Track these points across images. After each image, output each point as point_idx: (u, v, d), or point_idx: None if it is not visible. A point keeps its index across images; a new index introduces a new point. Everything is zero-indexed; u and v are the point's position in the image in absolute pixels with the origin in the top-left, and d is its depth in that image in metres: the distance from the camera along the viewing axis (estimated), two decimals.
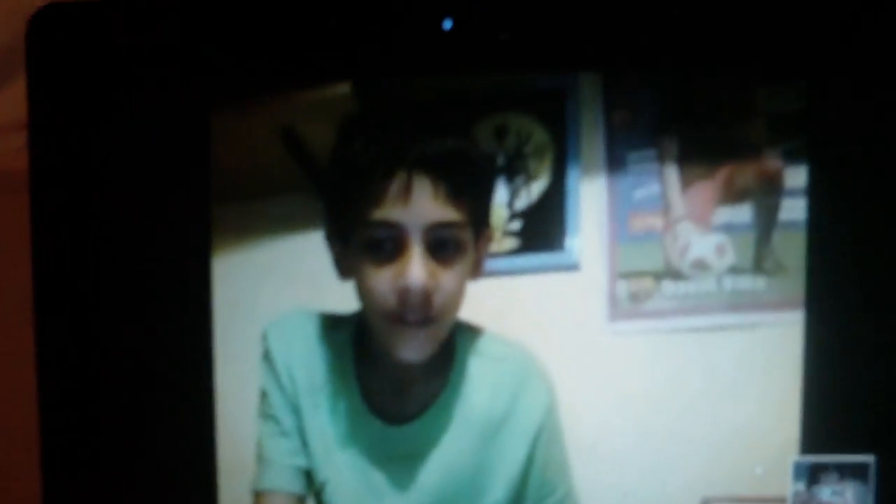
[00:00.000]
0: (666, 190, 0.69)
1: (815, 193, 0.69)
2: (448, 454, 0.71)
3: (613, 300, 0.70)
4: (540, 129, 0.69)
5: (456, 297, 0.68)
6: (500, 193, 0.69)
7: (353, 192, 0.66)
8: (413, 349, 0.68)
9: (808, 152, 0.68)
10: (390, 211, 0.65)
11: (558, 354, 0.70)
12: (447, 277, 0.67)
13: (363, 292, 0.68)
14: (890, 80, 0.68)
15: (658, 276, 0.70)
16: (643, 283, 0.70)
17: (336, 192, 0.68)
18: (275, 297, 0.72)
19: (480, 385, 0.71)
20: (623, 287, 0.70)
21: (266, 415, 0.72)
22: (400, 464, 0.71)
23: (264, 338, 0.72)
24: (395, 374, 0.70)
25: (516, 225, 0.70)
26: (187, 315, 0.72)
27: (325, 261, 0.70)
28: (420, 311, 0.66)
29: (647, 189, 0.69)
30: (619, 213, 0.69)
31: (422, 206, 0.65)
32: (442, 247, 0.66)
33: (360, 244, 0.67)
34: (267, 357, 0.72)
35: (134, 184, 0.70)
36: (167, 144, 0.69)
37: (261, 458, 0.72)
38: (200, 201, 0.70)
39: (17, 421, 0.73)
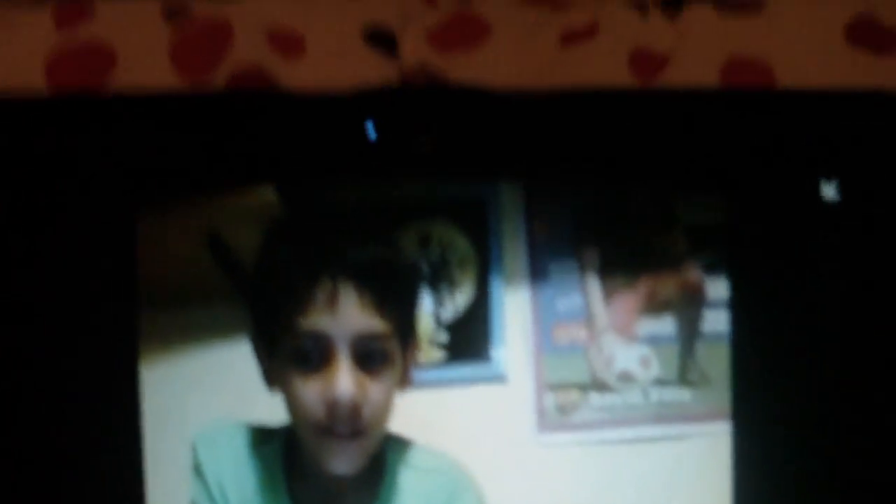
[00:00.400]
0: (589, 301, 0.70)
1: (737, 306, 0.70)
2: None
3: (541, 412, 0.70)
4: (462, 239, 0.70)
5: (385, 409, 0.67)
6: (426, 303, 0.69)
7: (279, 300, 0.66)
8: (343, 462, 0.67)
9: (728, 265, 0.70)
10: (317, 320, 0.65)
11: (488, 466, 0.69)
12: (375, 389, 0.66)
13: (291, 404, 0.67)
14: (806, 194, 0.71)
15: (584, 387, 0.70)
16: (570, 395, 0.70)
17: (262, 299, 0.68)
18: (204, 406, 0.70)
19: (411, 498, 0.69)
20: (550, 399, 0.70)
21: None
22: None
23: (194, 449, 0.70)
24: (325, 487, 0.68)
25: (443, 336, 0.70)
26: (116, 425, 0.69)
27: (253, 370, 0.69)
28: (349, 423, 0.65)
29: (570, 300, 0.70)
30: (544, 323, 0.70)
31: (348, 315, 0.65)
32: (369, 358, 0.65)
33: (287, 354, 0.66)
34: (197, 469, 0.70)
35: (60, 290, 0.69)
36: (93, 250, 0.68)
37: None
38: (127, 308, 0.69)
39: None
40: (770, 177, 0.71)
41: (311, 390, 0.65)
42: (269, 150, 0.69)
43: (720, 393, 0.69)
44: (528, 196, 0.71)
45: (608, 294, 0.70)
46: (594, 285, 0.70)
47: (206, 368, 0.70)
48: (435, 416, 0.69)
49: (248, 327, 0.69)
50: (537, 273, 0.70)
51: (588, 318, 0.70)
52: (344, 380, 0.65)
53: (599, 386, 0.70)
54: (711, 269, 0.70)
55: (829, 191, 0.71)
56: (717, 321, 0.70)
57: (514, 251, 0.70)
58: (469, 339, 0.70)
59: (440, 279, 0.70)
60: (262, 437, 0.70)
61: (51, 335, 0.69)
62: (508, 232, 0.70)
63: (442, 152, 0.69)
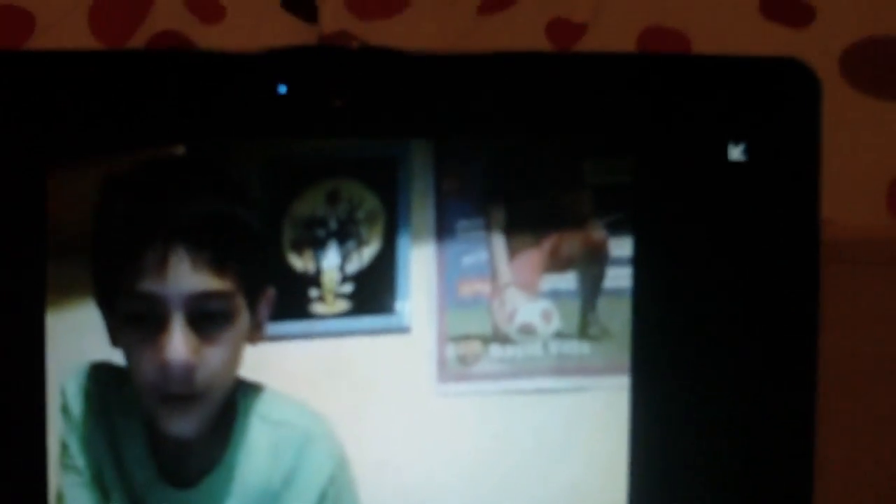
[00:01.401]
0: (493, 257, 0.72)
1: (639, 263, 0.72)
2: None
3: (442, 362, 0.72)
4: (371, 196, 0.72)
5: (224, 370, 0.67)
6: (332, 257, 0.71)
7: (114, 259, 0.65)
8: (180, 424, 0.67)
9: (632, 225, 0.71)
10: (149, 282, 0.64)
11: (388, 415, 0.71)
12: (212, 351, 0.66)
13: (129, 364, 0.67)
14: (713, 157, 0.72)
15: (486, 339, 0.72)
16: (471, 347, 0.72)
17: (98, 257, 0.67)
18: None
19: (260, 450, 0.70)
20: (452, 350, 0.72)
21: (67, 466, 0.70)
22: None
23: (61, 392, 0.70)
24: (174, 441, 0.69)
25: (348, 288, 0.72)
26: (21, 377, 0.71)
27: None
28: (183, 387, 0.65)
29: (475, 256, 0.72)
30: (449, 278, 0.72)
31: (180, 276, 0.64)
32: (206, 318, 0.65)
33: (123, 315, 0.66)
34: (65, 410, 0.70)
35: None
36: (3, 202, 0.69)
37: None
38: (35, 259, 0.70)
39: None
40: (678, 139, 0.73)
41: (144, 353, 0.65)
42: (179, 108, 0.70)
43: (620, 347, 0.71)
44: (437, 154, 0.73)
45: (513, 251, 0.72)
46: (499, 242, 0.72)
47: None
48: (337, 366, 0.71)
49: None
50: (444, 229, 0.72)
51: (492, 274, 0.72)
52: (176, 343, 0.64)
53: (501, 338, 0.72)
54: (616, 227, 0.72)
55: (735, 153, 0.72)
56: (619, 278, 0.72)
57: (423, 208, 0.72)
58: (374, 292, 0.72)
59: (347, 234, 0.72)
60: (125, 378, 0.70)
61: None
62: (418, 189, 0.72)
63: (353, 110, 0.71)
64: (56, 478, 0.70)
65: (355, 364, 0.72)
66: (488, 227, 0.72)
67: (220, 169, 0.69)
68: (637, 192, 0.72)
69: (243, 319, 0.67)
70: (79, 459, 0.71)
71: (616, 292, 0.72)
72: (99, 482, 0.71)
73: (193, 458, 0.70)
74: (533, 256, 0.72)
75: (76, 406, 0.70)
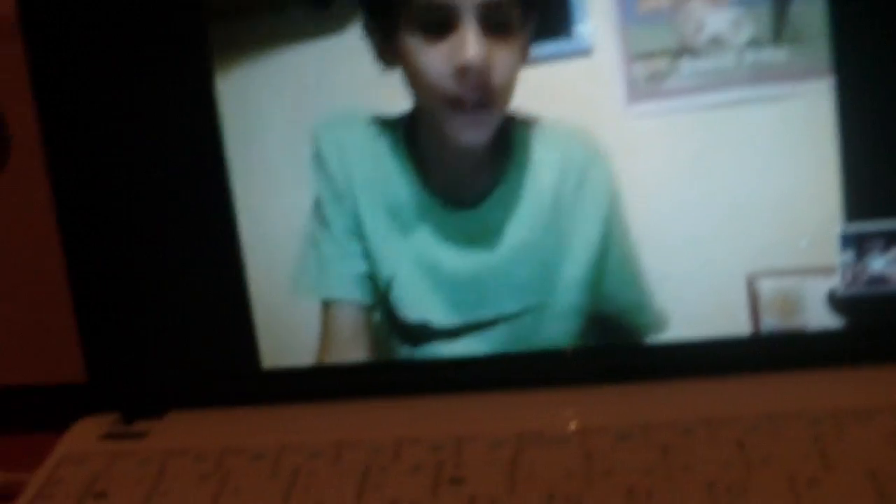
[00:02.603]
0: None
1: None
2: (519, 234, 0.68)
3: (630, 82, 0.68)
4: None
5: (512, 77, 0.66)
6: None
7: None
8: (472, 132, 0.66)
9: None
10: None
11: None
12: (503, 54, 0.64)
13: (414, 76, 0.66)
14: None
15: (674, 54, 0.67)
16: (659, 63, 0.68)
17: None
18: (283, 112, 0.70)
19: (547, 164, 0.68)
20: (639, 68, 0.68)
21: (321, 220, 0.70)
22: (469, 248, 0.69)
23: (315, 139, 0.69)
24: (455, 160, 0.68)
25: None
26: (197, 139, 0.71)
27: (328, 70, 0.69)
28: (478, 90, 0.64)
29: None
30: None
31: None
32: (496, 23, 0.64)
33: (407, 25, 0.64)
34: (319, 158, 0.69)
35: (125, 11, 0.70)
36: None
37: (316, 265, 0.70)
38: (197, 22, 0.69)
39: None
40: None
41: (436, 58, 0.64)
42: None
43: (819, 50, 0.66)
44: None
45: None
46: None
47: (281, 74, 0.70)
48: (522, 96, 0.68)
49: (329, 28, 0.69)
50: None
51: None
52: (472, 44, 0.63)
53: (690, 51, 0.67)
54: None
55: None
56: None
57: None
58: (551, 15, 0.68)
59: None
60: (382, 125, 0.69)
61: (123, 57, 0.71)
62: None
63: None
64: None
65: (541, 92, 0.68)
66: None
67: None
68: None
69: (519, 34, 0.65)
70: (333, 213, 0.70)
71: None
72: (356, 235, 0.70)
73: (477, 177, 0.69)
74: None
75: (332, 154, 0.69)
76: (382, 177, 0.69)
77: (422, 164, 0.69)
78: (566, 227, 0.69)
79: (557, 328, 0.70)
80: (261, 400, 0.73)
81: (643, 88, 0.68)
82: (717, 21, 0.67)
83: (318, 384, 0.72)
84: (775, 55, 0.67)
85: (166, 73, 0.70)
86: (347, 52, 0.69)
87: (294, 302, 0.72)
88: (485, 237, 0.69)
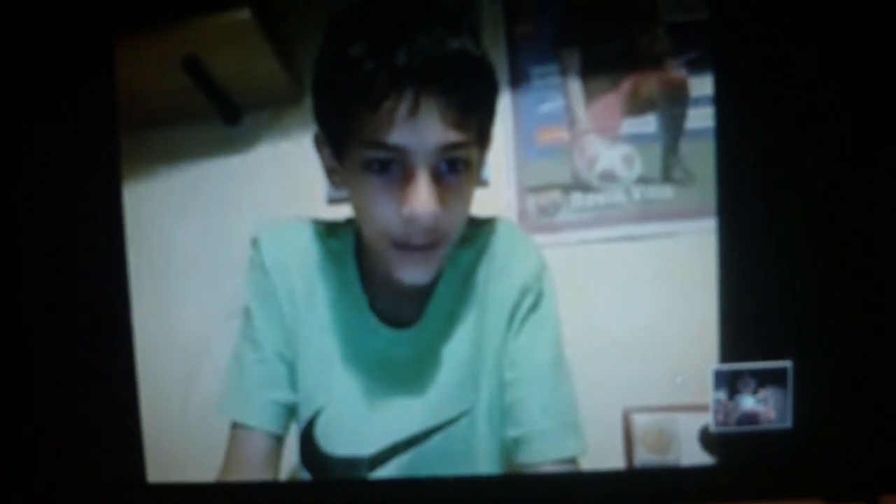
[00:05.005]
0: (570, 103, 0.69)
1: (721, 101, 0.69)
2: (457, 347, 0.68)
3: (523, 214, 0.69)
4: None
5: (462, 217, 0.65)
6: None
7: (351, 106, 0.62)
8: (416, 272, 0.66)
9: (712, 61, 0.68)
10: (395, 133, 0.61)
11: None
12: (454, 202, 0.64)
13: (363, 213, 0.65)
14: None
15: (567, 188, 0.69)
16: (551, 197, 0.69)
17: (327, 100, 0.64)
18: (186, 222, 0.71)
19: (468, 265, 0.68)
20: (531, 201, 0.69)
21: (248, 337, 0.69)
22: (408, 367, 0.69)
23: (255, 245, 0.68)
24: (400, 287, 0.67)
25: None
26: (99, 244, 0.71)
27: (233, 186, 0.70)
28: (425, 237, 0.64)
29: (552, 103, 0.69)
30: (526, 127, 0.69)
31: (430, 128, 0.61)
32: (449, 170, 0.63)
33: (359, 162, 0.63)
34: (258, 265, 0.68)
35: (40, 113, 0.70)
36: (72, 73, 0.69)
37: (238, 386, 0.69)
38: (108, 130, 0.70)
39: None
40: None
41: (386, 204, 0.63)
42: None
43: (705, 189, 0.69)
44: (507, 0, 0.69)
45: (590, 95, 0.69)
46: (576, 87, 0.69)
47: (187, 187, 0.71)
48: None
49: (225, 146, 0.69)
50: (518, 78, 0.69)
51: (570, 120, 0.69)
52: (423, 196, 0.62)
53: (582, 186, 0.69)
54: (695, 65, 0.69)
55: None
56: (701, 118, 0.69)
57: (495, 56, 0.68)
58: None
59: None
60: (328, 232, 0.69)
61: (33, 158, 0.71)
62: (489, 37, 0.69)
63: None
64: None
65: None
66: (564, 73, 0.69)
67: (443, 4, 0.64)
68: (714, 27, 0.69)
69: (475, 170, 0.65)
70: (263, 329, 0.69)
71: (699, 133, 0.69)
72: (282, 359, 0.69)
73: (412, 299, 0.69)
74: (611, 100, 0.69)
75: (274, 262, 0.68)
76: (331, 296, 0.69)
77: (368, 284, 0.69)
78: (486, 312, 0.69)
79: (474, 446, 0.69)
80: None
81: (534, 221, 0.70)
82: (610, 157, 0.69)
83: (209, 502, 0.72)
84: (663, 193, 0.69)
85: (75, 176, 0.71)
86: (256, 170, 0.70)
87: (186, 420, 0.72)
88: (423, 354, 0.69)
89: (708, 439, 0.70)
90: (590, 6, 0.69)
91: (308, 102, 0.66)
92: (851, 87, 0.69)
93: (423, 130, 0.61)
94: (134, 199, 0.70)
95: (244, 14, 0.69)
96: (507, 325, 0.68)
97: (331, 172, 0.67)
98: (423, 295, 0.69)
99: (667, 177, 0.69)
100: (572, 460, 0.68)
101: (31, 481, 0.74)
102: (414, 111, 0.61)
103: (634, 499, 0.70)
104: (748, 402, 0.69)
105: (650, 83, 0.69)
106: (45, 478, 0.74)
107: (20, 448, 0.73)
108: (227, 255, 0.71)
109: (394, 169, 0.62)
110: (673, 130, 0.70)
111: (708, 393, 0.69)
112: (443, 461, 0.69)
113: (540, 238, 0.70)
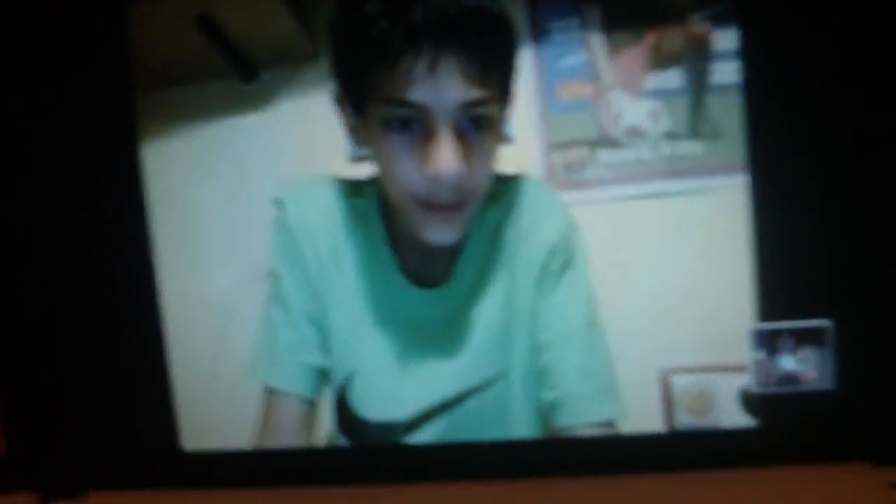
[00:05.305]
0: (593, 58, 0.67)
1: (747, 55, 0.67)
2: (487, 309, 0.66)
3: (550, 171, 0.67)
4: None
5: (487, 176, 0.63)
6: None
7: (369, 63, 0.60)
8: (442, 233, 0.63)
9: (736, 14, 0.67)
10: (415, 90, 0.60)
11: None
12: (478, 159, 0.62)
13: (386, 171, 0.63)
14: None
15: (593, 144, 0.67)
16: (578, 153, 0.67)
17: (345, 58, 0.62)
18: (207, 182, 0.69)
19: (494, 224, 0.67)
20: (558, 157, 0.67)
21: (277, 299, 0.66)
22: (439, 328, 0.66)
23: (280, 205, 0.66)
24: (428, 247, 0.65)
25: None
26: (121, 207, 0.69)
27: (252, 144, 0.68)
28: (451, 196, 0.62)
29: (573, 58, 0.67)
30: (548, 83, 0.67)
31: (451, 86, 0.59)
32: (472, 127, 0.61)
33: (381, 119, 0.61)
34: (283, 227, 0.66)
35: (56, 78, 0.68)
36: (85, 37, 0.68)
37: (269, 350, 0.67)
38: (123, 91, 0.68)
39: None
40: None
41: (410, 163, 0.61)
42: None
43: (733, 144, 0.67)
44: None
45: (612, 50, 0.67)
46: (598, 41, 0.67)
47: (206, 145, 0.69)
48: None
49: (247, 104, 0.67)
50: (539, 32, 0.68)
51: (593, 75, 0.67)
52: (446, 154, 0.60)
53: (609, 142, 0.67)
54: (719, 19, 0.67)
55: None
56: (726, 72, 0.67)
57: (514, 10, 0.66)
58: None
59: None
60: (353, 191, 0.67)
61: (50, 123, 0.69)
62: None
63: None
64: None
65: None
66: (585, 26, 0.67)
67: None
68: None
69: (498, 127, 0.63)
70: (292, 291, 0.66)
71: (725, 88, 0.67)
72: (313, 320, 0.67)
73: (442, 256, 0.67)
74: (634, 54, 0.68)
75: (300, 222, 0.66)
76: (354, 252, 0.67)
77: (395, 242, 0.67)
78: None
79: (509, 410, 0.67)
80: (183, 483, 0.70)
81: (561, 178, 0.67)
82: (636, 112, 0.67)
83: (244, 469, 0.70)
84: (692, 149, 0.67)
85: (93, 140, 0.69)
86: (276, 128, 0.68)
87: (217, 383, 0.69)
88: (453, 316, 0.67)
89: (749, 401, 0.67)
90: None
91: (325, 59, 0.64)
92: (882, 38, 0.67)
93: (443, 87, 0.60)
94: (154, 160, 0.68)
95: None
96: (537, 286, 0.65)
97: (353, 131, 0.65)
98: (451, 255, 0.66)
99: (695, 132, 0.67)
100: (610, 423, 0.65)
101: (63, 450, 0.71)
102: (433, 68, 0.59)
103: (674, 462, 0.66)
104: (788, 362, 0.66)
105: (673, 37, 0.68)
106: (78, 447, 0.71)
107: (51, 417, 0.71)
108: (250, 215, 0.69)
109: (415, 127, 0.61)
110: (698, 85, 0.68)
111: (746, 353, 0.66)
112: (479, 425, 0.67)
113: (568, 195, 0.67)
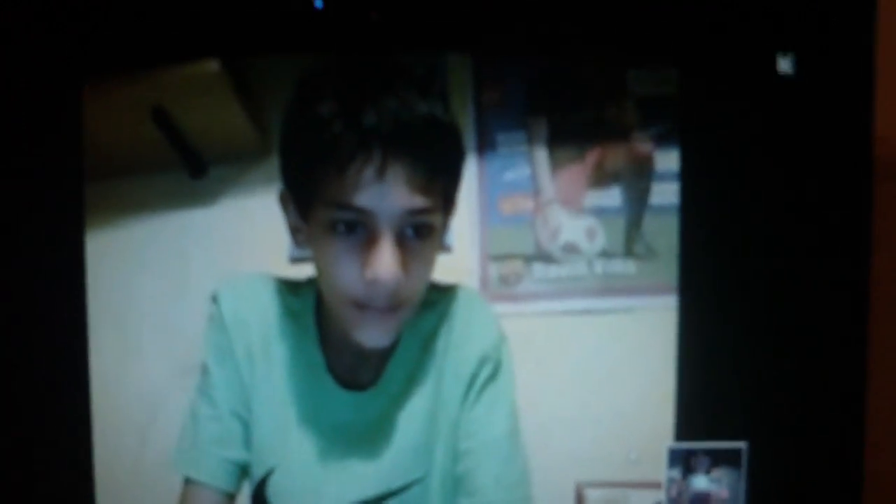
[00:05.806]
0: (536, 172, 0.69)
1: (686, 177, 0.69)
2: (412, 411, 0.67)
3: (484, 283, 0.69)
4: None
5: (424, 282, 0.64)
6: None
7: (318, 165, 0.60)
8: (377, 336, 0.64)
9: (679, 136, 0.68)
10: (362, 196, 0.60)
11: None
12: (416, 267, 0.63)
13: (325, 273, 0.64)
14: (762, 67, 0.69)
15: (528, 259, 0.69)
16: (513, 266, 0.69)
17: (295, 158, 0.63)
18: (150, 275, 0.70)
19: (428, 330, 0.68)
20: (494, 269, 0.69)
21: (204, 393, 0.67)
22: (364, 431, 0.67)
23: (215, 300, 0.67)
24: (358, 349, 0.66)
25: None
26: (60, 296, 0.69)
27: (197, 239, 0.69)
28: (387, 300, 0.62)
29: (517, 171, 0.69)
30: (490, 195, 0.69)
31: (397, 192, 0.60)
32: (413, 235, 0.62)
33: (325, 222, 0.62)
34: (217, 322, 0.67)
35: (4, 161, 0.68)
36: (39, 121, 0.67)
37: (192, 442, 0.67)
38: (73, 180, 0.68)
39: None
40: (724, 49, 0.69)
41: (350, 265, 0.62)
42: (215, 23, 0.67)
43: (667, 266, 0.69)
44: (476, 67, 0.69)
45: (556, 165, 0.69)
46: (542, 156, 0.69)
47: (150, 238, 0.70)
48: None
49: (193, 198, 0.68)
50: (484, 144, 0.69)
51: (535, 190, 0.69)
52: (387, 259, 0.61)
53: (544, 257, 0.69)
54: (661, 140, 0.69)
55: (784, 65, 0.69)
56: (665, 193, 0.69)
57: (462, 122, 0.68)
58: None
59: None
60: (289, 291, 0.68)
61: None
62: (456, 103, 0.68)
63: (390, 22, 0.67)
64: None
65: None
66: (530, 141, 0.69)
67: (413, 68, 0.63)
68: (683, 102, 0.69)
69: (439, 236, 0.64)
70: (219, 387, 0.67)
71: (662, 209, 0.69)
72: (237, 416, 0.68)
73: (371, 362, 0.68)
74: (576, 171, 0.69)
75: (234, 319, 0.67)
76: (289, 355, 0.68)
77: (327, 344, 0.68)
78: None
79: None
80: None
81: (495, 290, 0.69)
82: (573, 229, 0.69)
83: None
84: (625, 268, 0.69)
85: (38, 222, 0.69)
86: (220, 225, 0.69)
87: (139, 471, 0.70)
88: (378, 418, 0.68)
89: None
90: (559, 76, 0.69)
91: (275, 159, 0.64)
92: (821, 178, 0.69)
93: (389, 194, 0.60)
94: (96, 248, 0.68)
95: (213, 66, 0.68)
96: (464, 394, 0.67)
97: (295, 231, 0.66)
98: (381, 359, 0.68)
99: (629, 251, 0.69)
100: None
101: None
102: (381, 174, 0.60)
103: None
104: (701, 482, 0.69)
105: (616, 156, 0.69)
106: None
107: None
108: (185, 309, 0.69)
109: (359, 231, 0.61)
110: (637, 205, 0.69)
111: (662, 471, 0.69)
112: None
113: (500, 307, 0.69)
